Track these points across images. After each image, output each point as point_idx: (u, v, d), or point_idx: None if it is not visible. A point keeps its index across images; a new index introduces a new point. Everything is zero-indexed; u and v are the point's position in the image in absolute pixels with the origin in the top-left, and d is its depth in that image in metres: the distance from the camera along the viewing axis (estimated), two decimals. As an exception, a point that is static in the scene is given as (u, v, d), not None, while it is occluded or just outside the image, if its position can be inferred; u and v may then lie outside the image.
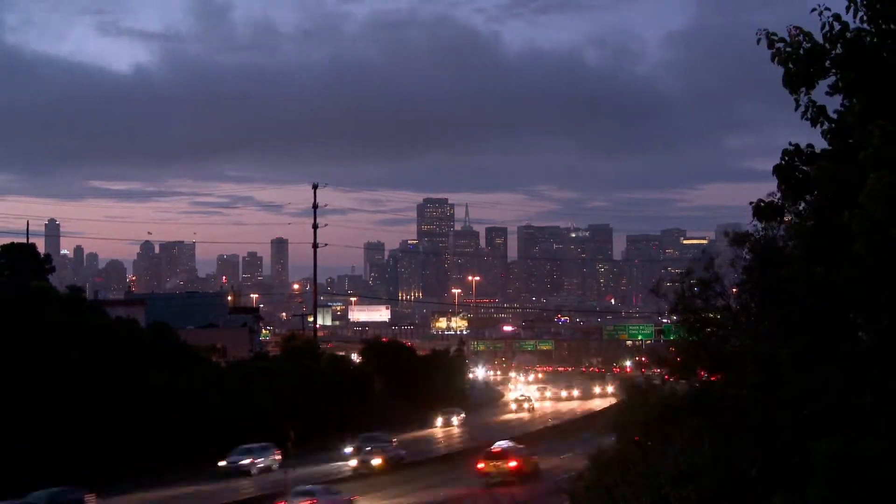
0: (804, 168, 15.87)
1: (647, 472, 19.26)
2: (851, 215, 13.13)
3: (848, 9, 13.95)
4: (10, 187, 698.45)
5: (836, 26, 14.21)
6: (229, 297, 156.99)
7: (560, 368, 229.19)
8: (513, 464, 60.28)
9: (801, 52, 14.41)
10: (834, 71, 14.46)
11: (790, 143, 15.96)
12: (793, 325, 16.10)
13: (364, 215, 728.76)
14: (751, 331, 18.45)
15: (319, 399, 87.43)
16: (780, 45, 14.56)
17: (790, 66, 14.52)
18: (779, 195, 16.35)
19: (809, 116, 14.76)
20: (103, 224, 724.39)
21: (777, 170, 16.05)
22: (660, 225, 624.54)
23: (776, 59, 14.63)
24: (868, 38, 14.06)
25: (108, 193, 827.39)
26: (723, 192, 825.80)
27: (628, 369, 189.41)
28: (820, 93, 14.78)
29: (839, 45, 14.24)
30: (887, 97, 13.54)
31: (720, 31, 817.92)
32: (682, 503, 16.89)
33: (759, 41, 14.68)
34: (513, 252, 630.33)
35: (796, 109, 14.78)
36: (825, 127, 14.93)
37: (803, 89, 14.64)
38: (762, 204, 17.17)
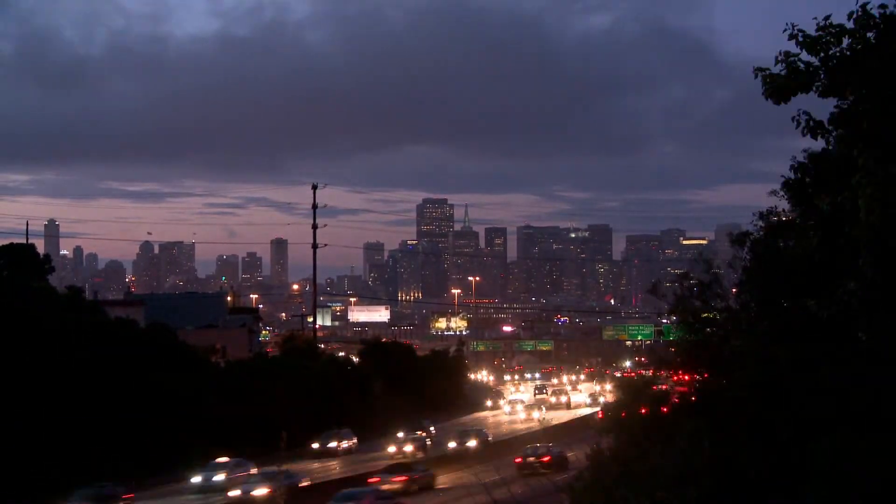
0: (809, 179, 15.98)
1: (647, 472, 19.26)
2: (853, 227, 13.19)
3: (850, 16, 14.02)
4: (23, 188, 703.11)
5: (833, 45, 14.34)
6: (228, 298, 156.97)
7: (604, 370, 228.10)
8: None
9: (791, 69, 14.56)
10: (817, 85, 14.58)
11: (794, 158, 16.09)
12: (792, 326, 16.13)
13: (374, 215, 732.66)
14: (751, 331, 18.46)
15: (319, 399, 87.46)
16: (769, 80, 14.75)
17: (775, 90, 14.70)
18: (787, 205, 16.45)
19: (808, 130, 14.85)
20: (113, 225, 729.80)
21: (786, 185, 16.19)
22: (679, 225, 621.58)
23: (765, 92, 14.79)
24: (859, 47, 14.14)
25: (122, 194, 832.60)
26: (736, 193, 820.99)
27: (625, 373, 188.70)
28: (816, 102, 14.88)
29: (828, 61, 14.36)
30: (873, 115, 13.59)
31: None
32: (683, 503, 16.90)
33: (756, 76, 14.83)
34: (512, 252, 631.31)
35: (796, 127, 14.86)
36: (826, 140, 15.03)
37: (802, 110, 14.77)
38: (773, 217, 17.25)
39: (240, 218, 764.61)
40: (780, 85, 14.40)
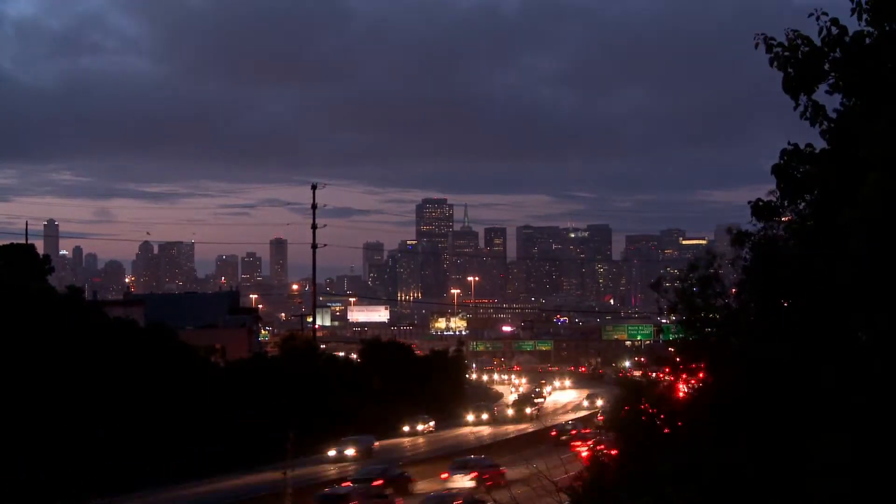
0: (803, 168, 15.87)
1: (647, 472, 19.26)
2: (850, 215, 13.10)
3: (853, 11, 13.93)
4: (34, 188, 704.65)
5: (834, 30, 14.20)
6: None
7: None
8: None
9: (800, 55, 14.40)
10: (833, 74, 14.46)
11: (789, 143, 15.97)
12: (791, 325, 16.09)
13: (379, 216, 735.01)
14: (750, 331, 18.43)
15: (318, 400, 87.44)
16: (779, 49, 14.55)
17: (789, 70, 14.51)
18: (777, 194, 16.35)
19: (808, 116, 14.76)
20: (122, 225, 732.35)
21: (776, 169, 16.05)
22: (694, 226, 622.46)
23: (775, 63, 14.63)
24: (868, 40, 14.05)
25: (139, 194, 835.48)
26: (751, 194, 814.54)
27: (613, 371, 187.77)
28: (819, 92, 14.77)
29: (838, 49, 14.24)
30: (888, 98, 13.53)
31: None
32: (686, 501, 16.90)
33: (756, 46, 14.66)
34: (512, 252, 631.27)
35: (795, 109, 14.77)
36: (824, 126, 14.93)
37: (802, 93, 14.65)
38: (760, 203, 17.15)
39: (253, 218, 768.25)
40: (797, 78, 14.26)
